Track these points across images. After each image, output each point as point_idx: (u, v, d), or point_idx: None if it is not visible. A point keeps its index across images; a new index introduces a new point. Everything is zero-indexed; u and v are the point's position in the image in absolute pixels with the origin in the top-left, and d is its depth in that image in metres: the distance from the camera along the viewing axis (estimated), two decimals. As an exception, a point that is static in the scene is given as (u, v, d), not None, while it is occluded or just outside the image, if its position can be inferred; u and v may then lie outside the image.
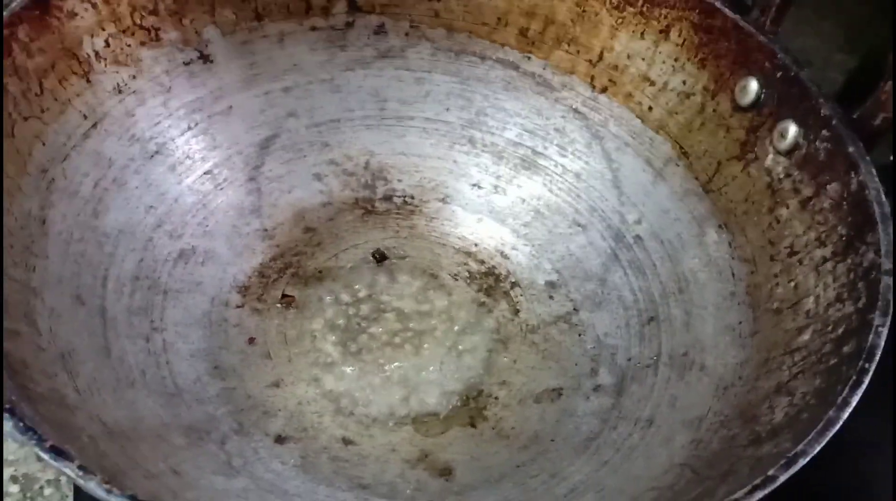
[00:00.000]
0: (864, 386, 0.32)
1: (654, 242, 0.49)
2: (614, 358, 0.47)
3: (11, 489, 0.50)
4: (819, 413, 0.32)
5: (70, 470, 0.28)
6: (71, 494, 0.50)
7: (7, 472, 0.50)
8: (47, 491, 0.50)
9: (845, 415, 0.31)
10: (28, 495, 0.50)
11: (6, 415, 0.29)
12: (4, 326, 0.35)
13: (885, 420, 0.48)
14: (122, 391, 0.41)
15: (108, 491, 0.27)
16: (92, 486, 0.27)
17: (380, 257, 0.51)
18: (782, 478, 0.29)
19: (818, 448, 0.30)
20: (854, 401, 0.31)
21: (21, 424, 0.29)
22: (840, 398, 0.32)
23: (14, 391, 0.32)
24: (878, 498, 0.47)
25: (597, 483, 0.40)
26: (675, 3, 0.48)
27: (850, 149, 0.40)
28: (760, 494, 0.29)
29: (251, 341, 0.47)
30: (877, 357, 0.33)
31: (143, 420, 0.40)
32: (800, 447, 0.30)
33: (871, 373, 0.32)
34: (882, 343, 0.33)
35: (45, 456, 0.28)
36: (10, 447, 0.51)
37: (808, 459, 0.30)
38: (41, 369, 0.37)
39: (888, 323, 0.34)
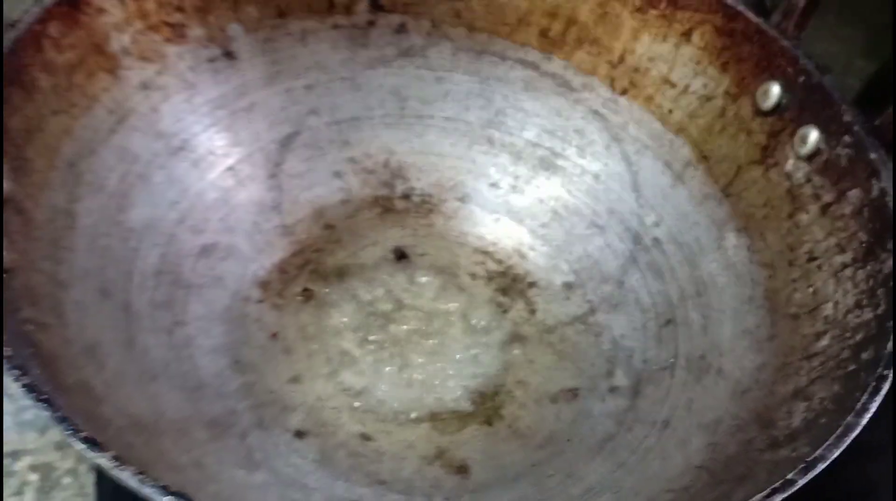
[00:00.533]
0: (883, 393, 0.32)
1: (672, 245, 0.50)
2: (630, 360, 0.48)
3: (30, 477, 0.51)
4: (837, 419, 0.32)
5: (104, 461, 0.28)
6: (89, 484, 0.51)
7: (26, 461, 0.51)
8: (65, 481, 0.51)
9: (864, 421, 0.31)
10: (47, 484, 0.50)
11: (42, 405, 0.29)
12: (37, 320, 0.36)
13: (888, 423, 0.49)
14: (145, 384, 0.42)
15: (142, 482, 0.28)
16: (126, 476, 0.28)
17: (400, 256, 0.52)
18: (801, 482, 0.30)
19: (837, 453, 0.31)
20: (873, 407, 0.32)
21: (58, 414, 0.29)
22: (859, 404, 0.32)
23: (46, 382, 0.32)
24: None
25: (613, 484, 0.41)
26: (697, 6, 0.48)
27: (872, 156, 0.41)
28: (779, 498, 0.29)
29: (274, 336, 0.48)
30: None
31: (165, 414, 0.41)
32: (819, 451, 0.31)
33: (889, 380, 0.32)
34: (902, 350, 0.34)
35: (80, 446, 0.29)
36: (29, 436, 0.52)
37: (826, 464, 0.30)
38: (69, 360, 0.37)
39: (909, 330, 0.34)
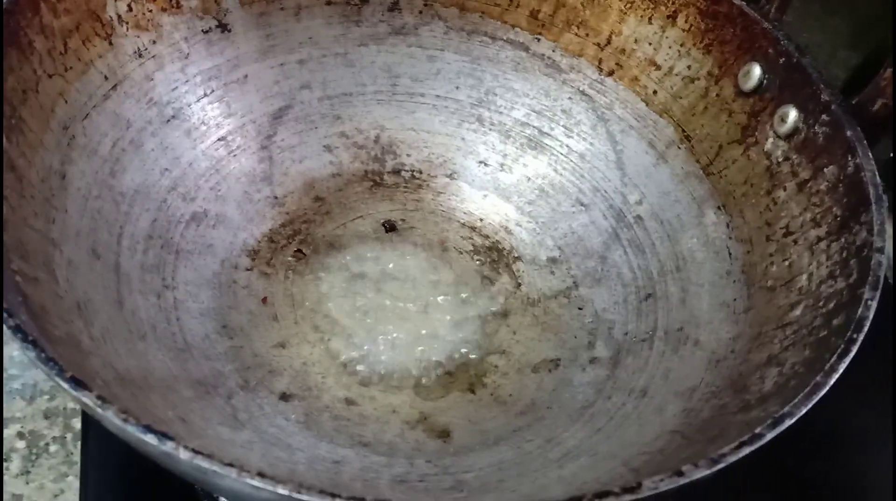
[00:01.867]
0: (851, 354, 0.33)
1: (654, 222, 0.51)
2: (611, 332, 0.49)
3: (18, 444, 0.51)
4: (807, 380, 0.33)
5: (89, 400, 0.29)
6: (76, 451, 0.51)
7: (14, 428, 0.52)
8: (53, 448, 0.51)
9: (832, 381, 0.32)
10: (34, 451, 0.51)
11: (29, 347, 0.30)
12: (26, 272, 0.37)
13: (884, 416, 0.50)
14: (133, 342, 0.42)
15: (125, 421, 0.29)
16: (109, 416, 0.29)
17: (389, 227, 0.53)
18: (769, 436, 0.31)
19: (804, 410, 0.31)
20: (841, 368, 0.33)
21: (43, 355, 0.30)
22: (828, 365, 0.33)
23: (34, 330, 0.33)
24: (876, 493, 0.48)
25: (590, 448, 0.42)
26: (683, -11, 0.49)
27: (849, 133, 0.42)
28: (747, 450, 0.30)
29: (264, 300, 0.48)
30: (865, 328, 0.34)
31: (153, 372, 0.42)
32: (787, 408, 0.32)
33: (858, 343, 0.33)
34: (871, 316, 0.35)
35: (65, 386, 0.29)
36: (17, 404, 0.53)
37: (794, 420, 0.31)
38: (59, 314, 0.38)
39: (877, 297, 0.35)
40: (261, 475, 0.28)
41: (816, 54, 0.68)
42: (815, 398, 0.32)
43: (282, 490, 0.28)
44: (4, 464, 0.50)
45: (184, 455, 0.29)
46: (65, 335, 0.37)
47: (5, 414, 0.52)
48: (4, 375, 0.54)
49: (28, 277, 0.37)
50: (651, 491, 0.29)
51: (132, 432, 0.29)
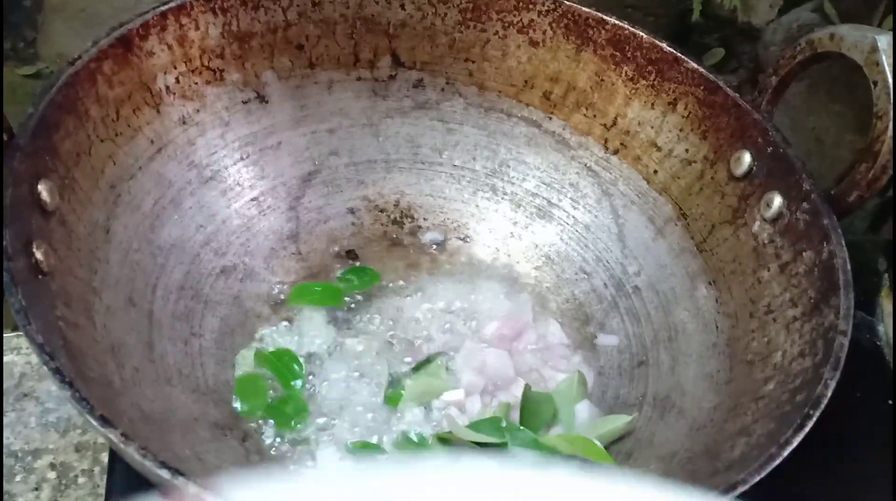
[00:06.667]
0: (806, 429, 0.36)
1: (650, 292, 0.54)
2: (604, 395, 0.51)
3: (49, 475, 0.55)
4: (766, 451, 0.36)
5: (114, 436, 0.33)
6: (103, 484, 0.55)
7: (46, 459, 0.55)
8: (81, 480, 0.55)
9: (786, 453, 0.35)
10: (63, 482, 0.54)
11: (65, 387, 0.34)
12: (68, 318, 0.41)
13: (883, 460, 0.51)
14: (160, 385, 0.46)
15: (144, 456, 0.32)
16: (131, 451, 0.33)
17: (353, 257, 0.56)
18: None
19: (757, 478, 0.34)
20: (796, 441, 0.35)
21: (77, 394, 0.34)
22: (784, 438, 0.36)
23: (71, 372, 0.37)
24: (876, 494, 0.50)
25: None
26: (682, 79, 0.53)
27: (825, 221, 0.45)
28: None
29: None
30: (822, 406, 0.37)
31: (175, 412, 0.46)
32: (741, 476, 0.34)
33: (814, 419, 0.36)
34: (829, 394, 0.37)
35: (94, 423, 0.33)
36: (51, 436, 0.57)
37: (746, 487, 0.34)
38: (94, 357, 0.42)
39: (837, 376, 0.38)
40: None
41: (823, 138, 0.71)
42: (769, 468, 0.35)
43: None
44: (35, 493, 0.54)
45: (193, 490, 0.32)
46: (98, 375, 0.41)
47: (39, 445, 0.56)
48: (41, 408, 0.58)
49: (70, 322, 0.42)
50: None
51: (150, 467, 0.33)
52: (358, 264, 0.57)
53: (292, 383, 0.49)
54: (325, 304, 0.53)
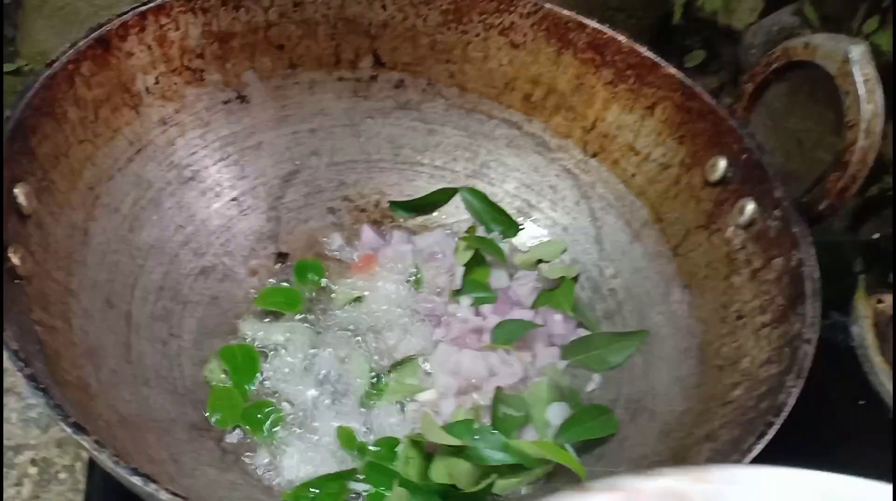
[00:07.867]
0: (768, 437, 0.37)
1: (626, 295, 0.54)
2: (577, 397, 0.52)
3: (30, 470, 0.55)
4: (729, 458, 0.37)
5: (87, 443, 0.33)
6: (83, 480, 0.55)
7: (28, 455, 0.56)
8: (62, 476, 0.55)
9: (748, 460, 0.36)
10: (45, 477, 0.55)
11: (39, 393, 0.35)
12: (45, 322, 0.42)
13: (855, 459, 0.52)
14: (137, 387, 0.47)
15: (116, 463, 0.33)
16: (103, 458, 0.33)
17: (283, 260, 0.57)
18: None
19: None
20: (758, 449, 0.36)
21: (51, 401, 0.34)
22: (746, 445, 0.36)
23: (47, 376, 0.37)
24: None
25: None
26: (660, 83, 0.53)
27: (795, 229, 0.45)
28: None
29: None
30: (783, 414, 0.37)
31: (152, 414, 0.46)
32: (704, 484, 0.35)
33: (776, 426, 0.37)
34: (792, 402, 0.38)
35: (68, 430, 0.34)
36: (32, 432, 0.57)
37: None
38: (71, 360, 0.42)
39: (800, 385, 0.39)
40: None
41: (804, 139, 0.72)
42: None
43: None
44: (17, 489, 0.54)
45: (164, 496, 0.33)
46: (75, 378, 0.42)
47: (20, 441, 0.56)
48: (22, 404, 0.58)
49: (47, 326, 0.42)
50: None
51: (122, 473, 0.33)
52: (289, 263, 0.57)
53: (246, 386, 0.50)
54: (287, 309, 0.54)
